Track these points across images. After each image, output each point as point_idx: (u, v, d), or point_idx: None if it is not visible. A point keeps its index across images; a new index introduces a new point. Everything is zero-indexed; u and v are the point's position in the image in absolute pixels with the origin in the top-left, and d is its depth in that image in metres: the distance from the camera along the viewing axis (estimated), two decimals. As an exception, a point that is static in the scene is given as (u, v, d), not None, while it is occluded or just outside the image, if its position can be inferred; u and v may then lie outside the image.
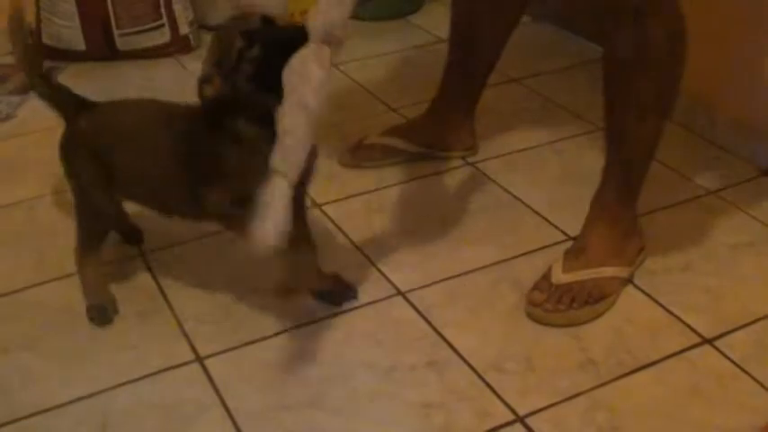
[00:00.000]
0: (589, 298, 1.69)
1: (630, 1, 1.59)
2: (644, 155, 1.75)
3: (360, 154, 2.22)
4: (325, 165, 2.16)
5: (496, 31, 2.11)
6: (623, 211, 1.79)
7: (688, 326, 1.68)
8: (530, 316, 1.70)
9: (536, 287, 1.72)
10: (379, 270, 1.85)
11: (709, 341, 1.64)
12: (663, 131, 1.73)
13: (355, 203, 2.08)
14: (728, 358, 1.60)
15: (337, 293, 1.75)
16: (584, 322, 1.68)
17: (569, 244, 1.87)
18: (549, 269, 1.74)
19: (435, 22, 2.98)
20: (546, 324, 1.68)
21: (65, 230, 2.01)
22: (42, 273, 1.88)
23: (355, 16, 3.08)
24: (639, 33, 1.59)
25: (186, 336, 1.69)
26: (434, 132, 2.22)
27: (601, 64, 1.69)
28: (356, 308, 1.75)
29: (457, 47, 2.17)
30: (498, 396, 1.54)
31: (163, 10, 2.83)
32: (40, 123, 2.49)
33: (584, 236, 1.80)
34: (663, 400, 1.53)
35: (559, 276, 1.71)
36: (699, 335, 1.66)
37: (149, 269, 1.88)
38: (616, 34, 1.63)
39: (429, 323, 1.70)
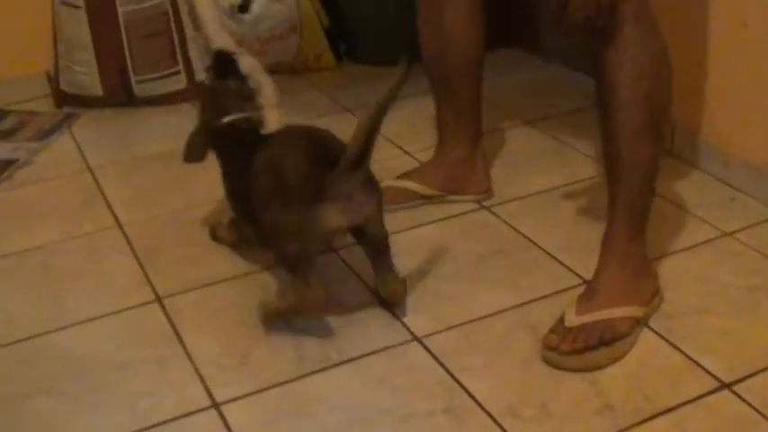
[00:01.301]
0: (603, 339, 1.67)
1: (611, 25, 1.62)
2: (645, 182, 1.74)
3: None
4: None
5: (469, 75, 2.16)
6: (632, 247, 1.78)
7: (706, 370, 1.67)
8: (546, 360, 1.69)
9: (551, 331, 1.71)
10: (394, 314, 1.85)
11: (728, 386, 1.63)
12: (659, 157, 1.74)
13: (370, 248, 2.08)
14: (748, 403, 1.59)
15: None
16: (601, 366, 1.66)
17: (584, 288, 1.88)
18: (563, 313, 1.74)
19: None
20: (562, 369, 1.67)
21: (82, 275, 2.03)
22: (61, 318, 1.89)
23: (368, 61, 3.14)
24: (624, 59, 1.63)
25: (203, 381, 1.69)
26: (447, 175, 2.24)
27: (594, 96, 1.73)
28: (372, 353, 1.75)
29: (439, 95, 2.21)
30: (515, 442, 1.53)
31: (179, 56, 2.86)
32: (58, 170, 2.53)
33: (597, 278, 1.79)
34: (681, 445, 1.52)
35: (572, 319, 1.71)
36: (717, 379, 1.64)
37: (166, 314, 1.89)
38: (603, 63, 1.66)
39: (445, 368, 1.70)
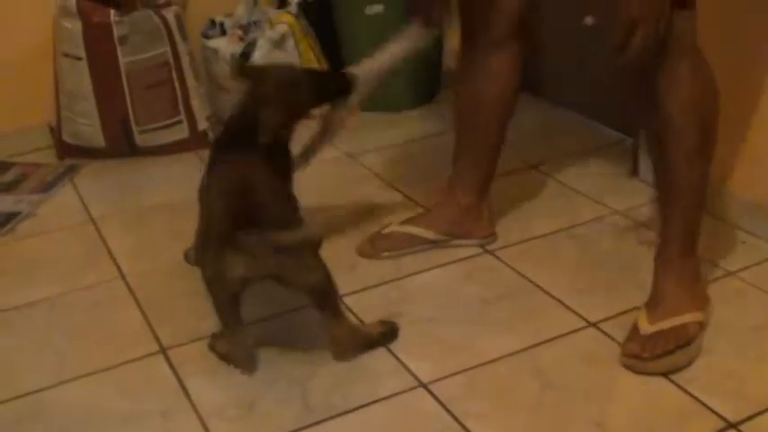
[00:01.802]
0: (678, 343, 1.77)
1: (665, 57, 1.70)
2: (698, 203, 1.85)
3: (379, 244, 2.24)
4: (343, 255, 2.19)
5: (499, 115, 2.19)
6: (687, 262, 1.88)
7: (712, 410, 1.66)
8: (629, 368, 1.77)
9: (628, 340, 1.80)
10: (400, 361, 1.84)
11: (735, 425, 1.62)
12: (709, 176, 1.84)
13: (374, 294, 2.08)
14: (755, 443, 1.59)
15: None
16: (680, 368, 1.76)
17: (590, 330, 1.89)
18: (636, 322, 1.82)
19: (451, 110, 3.01)
20: (647, 374, 1.75)
21: (86, 328, 2.02)
22: (64, 371, 1.88)
23: (370, 108, 3.16)
24: (679, 90, 1.73)
25: (208, 433, 1.69)
26: (453, 220, 2.24)
27: (646, 124, 1.84)
28: (378, 400, 1.74)
29: (464, 133, 2.23)
30: (523, 488, 1.52)
31: (181, 106, 2.87)
32: (60, 222, 2.53)
33: (658, 289, 1.88)
34: (690, 488, 1.51)
35: (646, 327, 1.80)
36: (724, 419, 1.64)
37: (170, 365, 1.88)
38: (657, 94, 1.75)
39: (452, 415, 1.69)
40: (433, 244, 2.24)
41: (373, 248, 2.24)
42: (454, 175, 2.25)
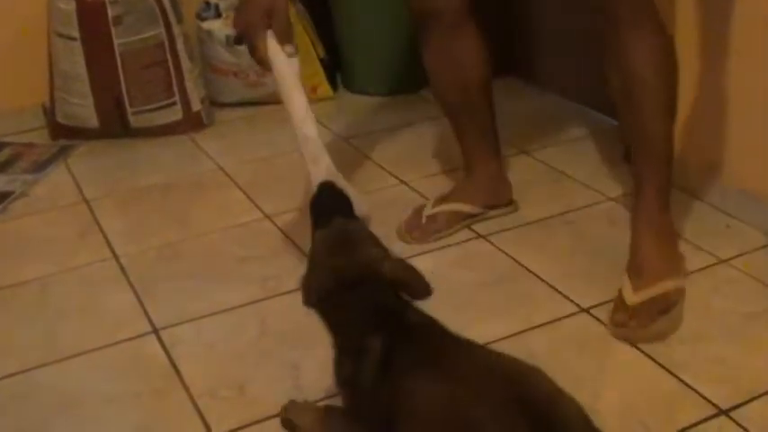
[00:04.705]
0: (662, 310, 1.84)
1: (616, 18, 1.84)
2: (669, 156, 1.96)
3: (429, 227, 2.23)
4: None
5: (482, 88, 2.20)
6: (663, 218, 1.98)
7: (703, 397, 1.66)
8: (617, 337, 1.83)
9: (615, 311, 1.86)
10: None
11: (725, 412, 1.62)
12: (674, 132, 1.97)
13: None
14: (745, 429, 1.58)
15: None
16: (665, 334, 1.82)
17: (582, 316, 1.89)
18: (620, 292, 1.88)
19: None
20: (635, 342, 1.80)
21: (77, 309, 2.02)
22: (55, 351, 1.88)
23: (365, 91, 3.16)
24: (647, 49, 1.86)
25: (200, 413, 1.68)
26: (486, 189, 2.27)
27: (614, 86, 1.93)
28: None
29: (455, 116, 2.25)
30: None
31: (175, 88, 2.87)
32: (53, 202, 2.53)
33: (638, 254, 1.95)
34: (680, 473, 1.52)
35: (632, 297, 1.86)
36: (714, 406, 1.64)
37: (162, 346, 1.88)
38: (627, 56, 1.87)
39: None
40: (473, 218, 2.26)
41: (422, 232, 2.23)
42: (469, 150, 2.27)
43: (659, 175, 1.96)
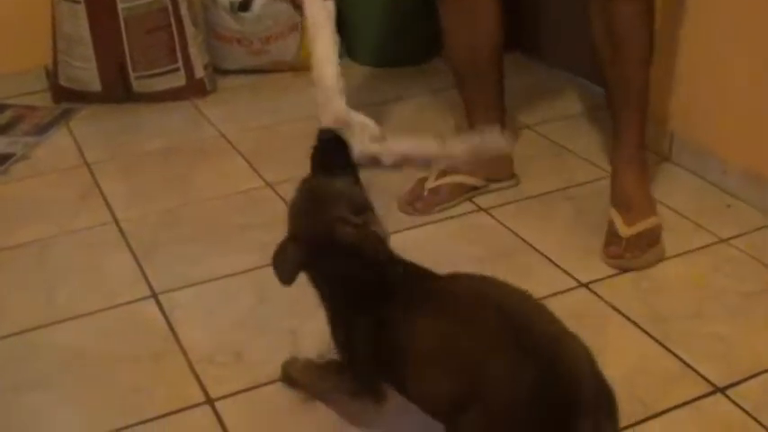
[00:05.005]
0: (650, 243, 2.02)
1: None
2: (646, 99, 2.12)
3: (431, 199, 2.24)
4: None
5: (495, 56, 2.22)
6: (641, 153, 2.15)
7: (700, 374, 1.67)
8: (613, 267, 1.98)
9: (608, 244, 2.01)
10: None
11: (722, 390, 1.63)
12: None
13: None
14: (741, 407, 1.59)
15: None
16: (653, 264, 1.99)
17: (581, 290, 1.90)
18: (612, 224, 2.04)
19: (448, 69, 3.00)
20: (629, 270, 1.97)
21: (76, 271, 2.02)
22: (54, 312, 1.88)
23: (369, 62, 3.14)
24: (633, 12, 2.02)
25: (197, 377, 1.69)
26: (489, 163, 2.26)
27: (598, 38, 2.07)
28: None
29: (467, 84, 2.26)
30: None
31: (179, 53, 2.85)
32: (55, 164, 2.52)
33: (624, 190, 2.11)
34: (674, 449, 1.52)
35: (626, 230, 2.02)
36: (711, 383, 1.65)
37: (161, 310, 1.89)
38: (620, 17, 2.02)
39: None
40: (476, 190, 2.27)
41: (425, 204, 2.23)
42: (475, 121, 2.26)
43: (639, 116, 2.12)
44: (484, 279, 1.41)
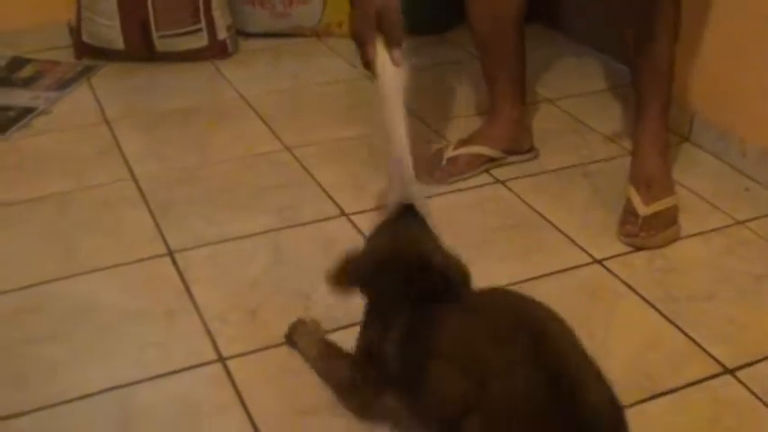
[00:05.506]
0: (666, 222, 2.02)
1: None
2: (672, 83, 2.13)
3: (448, 169, 2.24)
4: (351, 175, 2.20)
5: (518, 23, 2.22)
6: (665, 134, 2.15)
7: (710, 355, 1.67)
8: (629, 245, 1.99)
9: (624, 223, 2.02)
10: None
11: (731, 371, 1.64)
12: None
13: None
14: (749, 389, 1.59)
15: None
16: (670, 242, 2.00)
17: (595, 266, 1.90)
18: (630, 202, 2.04)
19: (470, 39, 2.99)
20: (645, 248, 1.98)
21: (94, 225, 2.04)
22: (70, 266, 1.89)
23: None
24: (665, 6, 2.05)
25: (210, 335, 1.70)
26: (509, 135, 2.28)
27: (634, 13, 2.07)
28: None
29: (490, 53, 2.26)
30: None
31: (202, 15, 2.85)
32: (75, 120, 2.53)
33: (645, 167, 2.11)
34: (680, 428, 1.52)
35: (644, 209, 2.02)
36: (720, 364, 1.65)
37: (177, 268, 1.90)
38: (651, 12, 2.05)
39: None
40: (493, 162, 2.27)
41: (443, 173, 2.23)
42: (496, 93, 2.27)
43: (665, 94, 2.12)
44: (526, 300, 1.43)
